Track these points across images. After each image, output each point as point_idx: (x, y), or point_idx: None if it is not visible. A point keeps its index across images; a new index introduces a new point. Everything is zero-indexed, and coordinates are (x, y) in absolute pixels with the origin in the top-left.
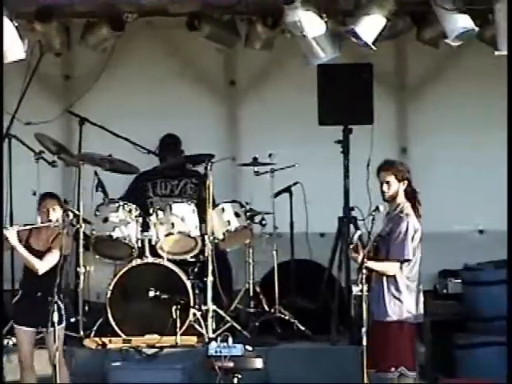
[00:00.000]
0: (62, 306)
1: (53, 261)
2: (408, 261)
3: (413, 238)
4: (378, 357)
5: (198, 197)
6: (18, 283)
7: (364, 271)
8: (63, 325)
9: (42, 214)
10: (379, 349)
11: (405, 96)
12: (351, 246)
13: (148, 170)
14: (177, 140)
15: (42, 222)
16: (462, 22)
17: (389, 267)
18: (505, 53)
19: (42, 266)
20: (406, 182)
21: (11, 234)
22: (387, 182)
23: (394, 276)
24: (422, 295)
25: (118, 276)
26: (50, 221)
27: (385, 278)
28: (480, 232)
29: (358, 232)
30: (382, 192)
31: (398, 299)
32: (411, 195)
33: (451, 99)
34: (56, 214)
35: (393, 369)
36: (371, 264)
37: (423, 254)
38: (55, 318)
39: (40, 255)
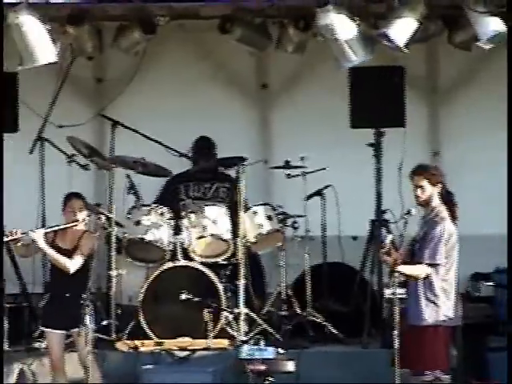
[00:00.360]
0: (91, 307)
1: (81, 258)
2: (438, 265)
3: (447, 241)
4: (413, 359)
5: (231, 200)
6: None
7: (398, 275)
8: (93, 326)
9: (68, 214)
10: (414, 352)
11: (436, 99)
12: (383, 250)
13: (180, 173)
14: (211, 143)
15: (67, 222)
16: (494, 25)
17: (418, 271)
18: None
19: (73, 264)
20: (439, 185)
21: (38, 237)
22: (421, 187)
23: (431, 280)
24: (459, 298)
25: (150, 279)
26: (77, 221)
27: (421, 282)
28: None
29: (390, 235)
30: (416, 196)
31: (435, 303)
32: (446, 198)
33: (483, 102)
34: (82, 214)
35: (428, 372)
36: (401, 268)
37: None
38: (86, 319)
39: (67, 254)
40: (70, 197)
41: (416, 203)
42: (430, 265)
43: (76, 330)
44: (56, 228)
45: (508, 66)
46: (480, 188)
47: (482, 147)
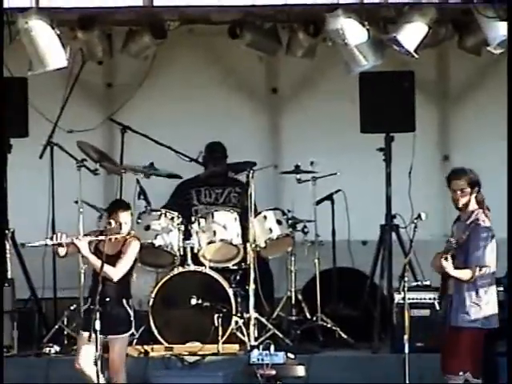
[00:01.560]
0: (131, 312)
1: (126, 266)
2: (486, 267)
3: (491, 244)
4: (450, 360)
5: (242, 205)
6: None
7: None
8: (130, 332)
9: (113, 225)
10: (452, 352)
11: (446, 104)
12: (445, 255)
13: (191, 178)
14: (222, 148)
15: (111, 232)
16: (504, 30)
17: (468, 274)
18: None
19: (116, 273)
20: (476, 189)
21: (83, 245)
22: (461, 190)
23: (476, 282)
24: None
25: (160, 284)
26: (120, 234)
27: (465, 285)
28: None
29: (453, 239)
30: (455, 200)
31: (478, 305)
32: (482, 202)
33: (493, 107)
34: (127, 227)
35: (461, 373)
36: (454, 272)
37: None
38: (124, 325)
39: (111, 260)
40: (117, 207)
41: (455, 207)
42: (479, 267)
43: (113, 336)
44: (100, 238)
45: (508, 65)
46: (490, 192)
47: (492, 152)
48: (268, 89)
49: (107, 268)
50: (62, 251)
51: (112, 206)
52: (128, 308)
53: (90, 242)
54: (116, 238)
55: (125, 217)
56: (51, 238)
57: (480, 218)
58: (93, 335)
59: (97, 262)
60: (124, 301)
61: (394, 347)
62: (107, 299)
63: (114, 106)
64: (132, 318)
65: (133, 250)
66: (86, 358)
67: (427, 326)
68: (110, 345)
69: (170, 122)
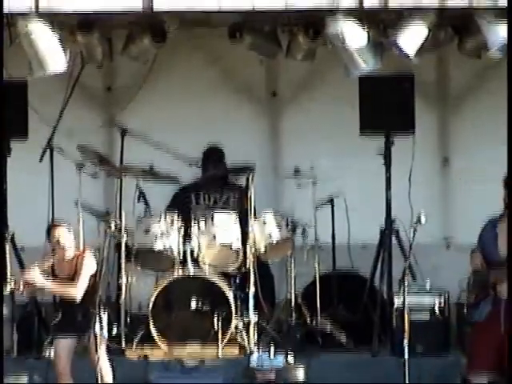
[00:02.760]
0: (104, 316)
1: (84, 282)
2: None
3: None
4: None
5: (240, 209)
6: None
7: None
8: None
9: (55, 244)
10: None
11: (446, 107)
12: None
13: (190, 183)
14: (220, 153)
15: (54, 253)
16: (504, 33)
17: None
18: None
19: (77, 291)
20: None
21: (36, 275)
22: None
23: None
24: None
25: (159, 287)
26: (63, 248)
27: None
28: None
29: None
30: None
31: None
32: None
33: (493, 110)
34: (67, 240)
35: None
36: None
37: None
38: (97, 328)
39: (69, 283)
40: (51, 227)
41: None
42: None
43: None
44: (46, 262)
45: (508, 65)
46: (490, 196)
47: (492, 155)
48: (268, 92)
49: (67, 289)
50: (24, 290)
51: (47, 229)
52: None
53: (43, 271)
54: (66, 257)
55: (57, 233)
56: (10, 284)
57: None
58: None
59: (54, 288)
60: (93, 310)
61: (394, 351)
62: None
63: (113, 109)
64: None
65: (87, 263)
66: (66, 359)
67: (427, 330)
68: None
69: (170, 125)
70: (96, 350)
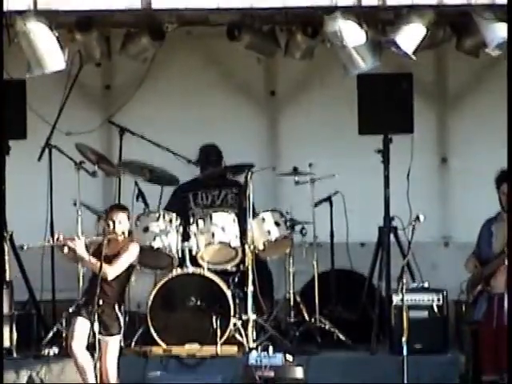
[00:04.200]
0: (121, 317)
1: (121, 266)
2: None
3: None
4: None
5: (239, 206)
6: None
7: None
8: (120, 336)
9: (108, 224)
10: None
11: (445, 106)
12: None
13: (188, 181)
14: (217, 150)
15: (106, 233)
16: (502, 32)
17: None
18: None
19: (111, 271)
20: None
21: (79, 245)
22: None
23: None
24: None
25: (158, 286)
26: (115, 233)
27: None
28: None
29: None
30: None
31: None
32: None
33: (491, 109)
34: (122, 226)
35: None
36: None
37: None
38: (114, 329)
39: (108, 260)
40: (112, 207)
41: (503, 209)
42: None
43: (104, 338)
44: (94, 239)
45: (508, 65)
46: (488, 195)
47: (490, 154)
48: (266, 91)
49: (103, 266)
50: (68, 254)
51: (109, 208)
52: (119, 313)
53: (87, 245)
54: (116, 240)
55: (118, 216)
56: (48, 241)
57: None
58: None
59: (91, 261)
60: (116, 306)
61: (393, 349)
62: (100, 302)
63: (112, 108)
64: (121, 324)
65: (131, 252)
66: (80, 340)
67: (425, 328)
68: (101, 345)
69: (168, 124)
70: (95, 350)
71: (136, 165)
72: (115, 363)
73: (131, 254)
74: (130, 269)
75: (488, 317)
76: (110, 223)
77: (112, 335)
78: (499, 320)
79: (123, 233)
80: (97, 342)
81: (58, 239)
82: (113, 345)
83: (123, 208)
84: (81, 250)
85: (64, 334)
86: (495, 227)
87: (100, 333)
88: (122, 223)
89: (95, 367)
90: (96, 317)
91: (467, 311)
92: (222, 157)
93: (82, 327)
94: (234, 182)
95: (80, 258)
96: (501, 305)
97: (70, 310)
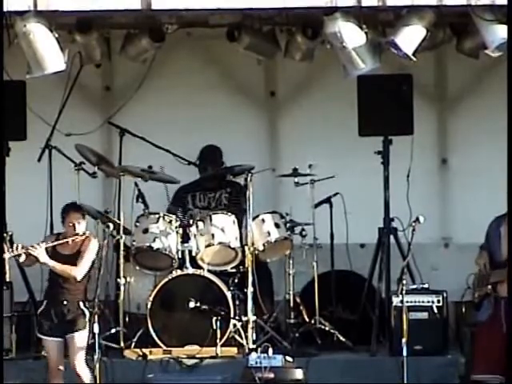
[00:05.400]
0: (87, 312)
1: (87, 264)
2: None
3: None
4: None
5: (234, 205)
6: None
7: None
8: (86, 332)
9: (68, 227)
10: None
11: (445, 107)
12: None
13: (189, 183)
14: (217, 151)
15: (67, 235)
16: (502, 33)
17: None
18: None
19: (79, 271)
20: None
21: (39, 253)
22: None
23: None
24: None
25: (158, 287)
26: (77, 234)
27: None
28: None
29: None
30: None
31: None
32: None
33: (491, 110)
34: (81, 226)
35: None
36: None
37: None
38: (80, 324)
39: (70, 261)
40: (68, 209)
41: None
42: None
43: (70, 335)
44: (56, 243)
45: (508, 65)
46: (488, 196)
47: (490, 155)
48: (266, 92)
49: (69, 268)
50: (21, 259)
51: (64, 209)
52: (84, 309)
53: (47, 248)
54: (73, 240)
55: (76, 217)
56: (9, 251)
57: None
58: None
59: (57, 266)
60: (81, 303)
61: (392, 350)
62: (64, 302)
63: (112, 109)
64: (87, 319)
65: (92, 249)
66: (55, 359)
67: (425, 329)
68: (69, 344)
69: (168, 125)
70: (95, 351)
71: (135, 169)
72: (83, 359)
73: (93, 251)
74: (92, 265)
75: (493, 320)
76: (71, 225)
77: (78, 331)
78: (507, 324)
79: (84, 233)
80: (96, 344)
81: (17, 249)
82: (79, 340)
83: (79, 208)
84: (44, 258)
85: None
86: (504, 229)
87: (67, 330)
88: (80, 223)
89: (94, 369)
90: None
91: (469, 311)
92: (221, 157)
93: (52, 351)
94: (230, 182)
95: (44, 265)
96: (508, 310)
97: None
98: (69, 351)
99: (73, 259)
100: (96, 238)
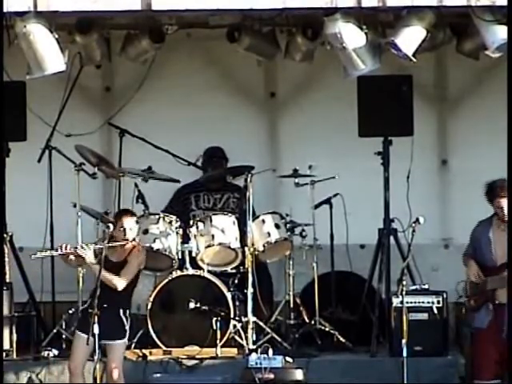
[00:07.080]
0: (126, 322)
1: (130, 275)
2: None
3: None
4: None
5: (240, 210)
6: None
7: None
8: (125, 341)
9: (119, 231)
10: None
11: (445, 108)
12: None
13: (190, 183)
14: (222, 152)
15: (117, 239)
16: (502, 34)
17: None
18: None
19: (120, 282)
20: None
21: (89, 254)
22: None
23: None
24: None
25: (158, 288)
26: (127, 240)
27: None
28: None
29: None
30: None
31: None
32: None
33: (491, 111)
34: (132, 232)
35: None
36: None
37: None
38: (119, 333)
39: (115, 268)
40: (122, 214)
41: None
42: None
43: (108, 342)
44: (106, 245)
45: (508, 65)
46: None
47: (490, 156)
48: (266, 93)
49: (112, 277)
50: (70, 259)
51: (117, 213)
52: (124, 318)
53: (95, 251)
54: (122, 246)
55: (129, 223)
56: (56, 250)
57: None
58: (91, 338)
59: (103, 272)
60: (121, 311)
61: (393, 351)
62: (104, 305)
63: (112, 110)
64: (127, 328)
65: (139, 259)
66: (80, 358)
67: (425, 330)
68: (106, 351)
69: (168, 126)
70: (95, 352)
71: (136, 171)
72: (120, 368)
73: (140, 261)
74: (137, 274)
75: (493, 326)
76: (122, 230)
77: (114, 340)
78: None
79: (134, 239)
80: (97, 345)
81: (66, 248)
82: (116, 350)
83: (132, 213)
84: (90, 260)
85: (64, 336)
86: (493, 234)
87: (103, 338)
88: (132, 229)
89: (94, 370)
90: (96, 319)
91: (467, 315)
92: (226, 159)
93: (80, 348)
94: (237, 186)
95: (89, 267)
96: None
97: (71, 312)
98: (108, 357)
99: (118, 267)
100: (144, 248)
